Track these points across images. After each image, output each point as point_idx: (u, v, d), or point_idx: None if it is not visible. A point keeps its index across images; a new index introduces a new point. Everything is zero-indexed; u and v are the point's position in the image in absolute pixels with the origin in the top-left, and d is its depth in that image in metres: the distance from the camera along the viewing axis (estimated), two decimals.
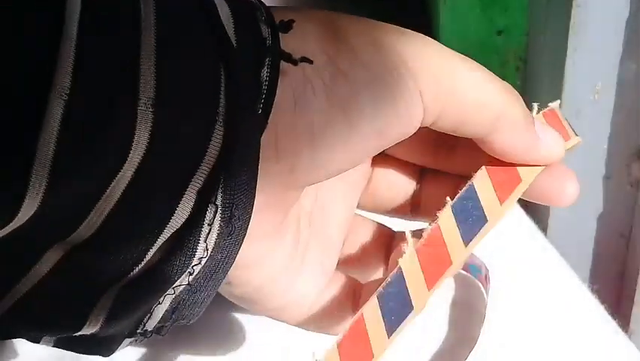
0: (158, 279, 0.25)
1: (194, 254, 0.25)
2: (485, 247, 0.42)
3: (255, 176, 0.26)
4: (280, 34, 0.26)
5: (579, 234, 0.56)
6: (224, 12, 0.25)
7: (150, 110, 0.23)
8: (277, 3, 0.60)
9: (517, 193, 0.31)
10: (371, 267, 0.35)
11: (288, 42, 0.27)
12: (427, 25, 0.56)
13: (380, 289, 0.30)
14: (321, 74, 0.27)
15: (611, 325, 0.40)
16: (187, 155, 0.24)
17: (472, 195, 0.31)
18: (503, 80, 0.54)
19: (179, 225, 0.25)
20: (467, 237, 0.30)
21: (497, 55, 0.53)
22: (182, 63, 0.24)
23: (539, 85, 0.52)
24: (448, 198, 0.31)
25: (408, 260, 0.30)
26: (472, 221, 0.30)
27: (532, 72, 0.53)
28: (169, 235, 0.25)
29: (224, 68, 0.24)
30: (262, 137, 0.26)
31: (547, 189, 0.32)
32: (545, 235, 0.45)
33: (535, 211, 0.52)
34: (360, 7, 0.60)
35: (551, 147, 0.31)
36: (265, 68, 0.26)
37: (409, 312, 0.29)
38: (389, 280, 0.30)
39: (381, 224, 0.36)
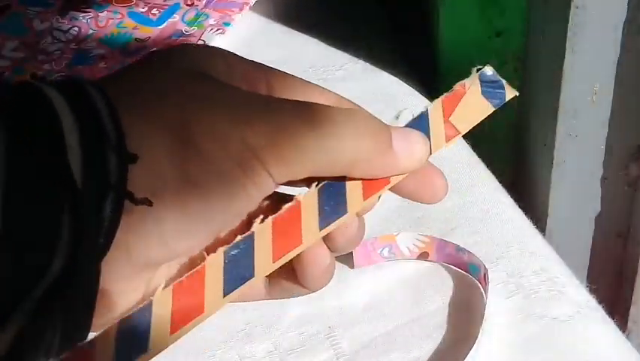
0: None
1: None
2: (484, 247, 0.42)
3: (93, 299, 0.28)
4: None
5: (577, 234, 0.56)
6: (73, 145, 0.27)
7: None
8: (274, 4, 0.60)
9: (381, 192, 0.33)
10: None
11: (138, 165, 0.28)
12: (426, 27, 0.57)
13: (227, 247, 0.31)
14: (170, 188, 0.29)
15: (609, 324, 0.40)
16: (24, 287, 0.26)
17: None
18: None
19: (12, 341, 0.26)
20: (324, 223, 0.31)
21: (496, 56, 0.53)
22: (27, 208, 0.25)
23: (538, 86, 0.52)
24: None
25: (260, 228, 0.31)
26: (332, 206, 0.32)
27: (530, 73, 0.53)
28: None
29: (68, 210, 0.26)
30: (115, 240, 0.28)
31: (414, 188, 0.34)
32: (544, 235, 0.45)
33: (534, 211, 0.53)
34: (360, 9, 0.60)
35: (410, 159, 0.33)
36: (108, 203, 0.27)
37: (248, 278, 0.30)
38: (239, 240, 0.31)
39: None
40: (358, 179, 0.32)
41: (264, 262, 0.30)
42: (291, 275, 0.33)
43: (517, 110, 0.56)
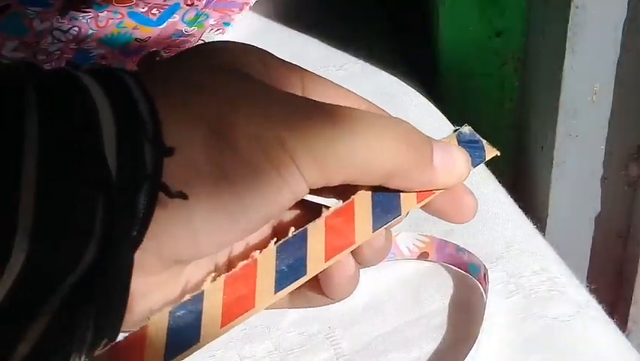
0: None
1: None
2: (484, 247, 0.42)
3: (126, 291, 0.27)
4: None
5: (577, 234, 0.56)
6: (109, 134, 0.26)
7: (26, 240, 0.24)
8: (274, 4, 0.60)
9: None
10: None
11: (174, 158, 0.28)
12: (426, 27, 0.57)
13: (279, 243, 0.31)
14: (204, 183, 0.28)
15: (609, 324, 0.40)
16: (58, 276, 0.25)
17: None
18: (502, 81, 0.55)
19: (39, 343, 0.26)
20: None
21: (496, 56, 0.53)
22: (61, 195, 0.25)
23: (538, 86, 0.52)
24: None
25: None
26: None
27: (530, 73, 0.53)
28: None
29: (103, 198, 0.26)
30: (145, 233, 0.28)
31: (444, 207, 0.33)
32: (544, 235, 0.45)
33: (534, 211, 0.53)
34: (360, 9, 0.60)
35: (450, 175, 0.32)
36: (143, 195, 0.27)
37: (300, 275, 0.30)
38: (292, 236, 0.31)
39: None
40: (397, 190, 0.32)
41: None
42: (314, 285, 0.33)
43: (517, 110, 0.56)
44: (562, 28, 0.46)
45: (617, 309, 0.57)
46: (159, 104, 0.28)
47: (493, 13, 0.51)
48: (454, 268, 0.42)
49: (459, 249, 0.41)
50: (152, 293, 0.30)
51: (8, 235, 0.24)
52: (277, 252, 0.30)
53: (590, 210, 0.55)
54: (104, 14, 0.58)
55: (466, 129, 0.35)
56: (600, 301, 0.41)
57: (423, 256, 0.42)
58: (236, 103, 0.29)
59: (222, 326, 0.29)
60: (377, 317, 0.41)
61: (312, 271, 0.30)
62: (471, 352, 0.37)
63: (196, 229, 0.29)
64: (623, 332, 0.41)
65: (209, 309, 0.29)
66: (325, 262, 0.30)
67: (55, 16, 0.58)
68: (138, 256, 0.28)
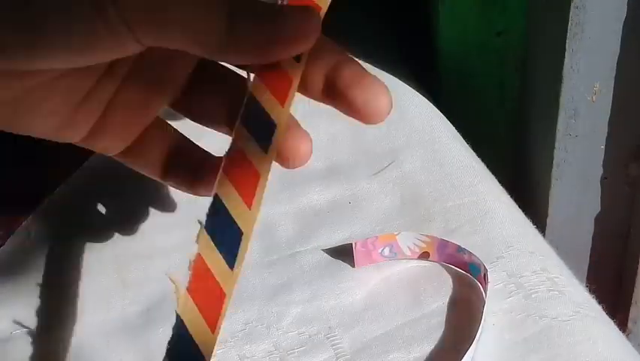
0: None
1: None
2: (484, 247, 0.42)
3: None
4: None
5: (577, 234, 0.56)
6: None
7: None
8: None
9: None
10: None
11: None
12: (426, 26, 0.57)
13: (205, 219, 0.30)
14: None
15: (609, 324, 0.40)
16: None
17: None
18: (502, 81, 0.55)
19: None
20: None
21: (496, 56, 0.53)
22: None
23: (538, 86, 0.52)
24: None
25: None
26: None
27: (531, 73, 0.53)
28: None
29: None
30: None
31: (357, 105, 0.31)
32: (544, 235, 0.45)
33: (534, 211, 0.53)
34: (359, 7, 0.60)
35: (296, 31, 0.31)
36: None
37: (240, 237, 0.30)
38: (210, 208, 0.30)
39: None
40: None
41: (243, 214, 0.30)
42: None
43: (517, 110, 0.56)
44: (562, 27, 0.46)
45: (617, 309, 0.57)
46: None
47: (493, 13, 0.51)
48: (454, 268, 0.42)
49: (460, 249, 0.41)
50: None
51: None
52: (211, 234, 0.30)
53: (590, 210, 0.55)
54: None
55: None
56: (600, 302, 0.41)
57: (424, 255, 0.42)
58: None
59: (212, 331, 0.29)
60: (377, 317, 0.41)
61: (244, 226, 0.30)
62: (470, 352, 0.37)
63: (5, 43, 0.29)
64: (624, 332, 0.41)
65: (195, 326, 0.29)
66: (250, 210, 0.30)
67: None
68: None
